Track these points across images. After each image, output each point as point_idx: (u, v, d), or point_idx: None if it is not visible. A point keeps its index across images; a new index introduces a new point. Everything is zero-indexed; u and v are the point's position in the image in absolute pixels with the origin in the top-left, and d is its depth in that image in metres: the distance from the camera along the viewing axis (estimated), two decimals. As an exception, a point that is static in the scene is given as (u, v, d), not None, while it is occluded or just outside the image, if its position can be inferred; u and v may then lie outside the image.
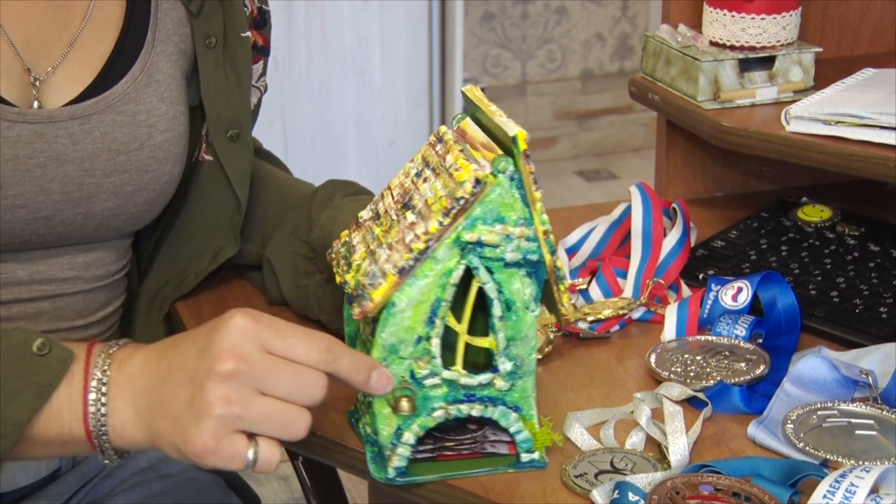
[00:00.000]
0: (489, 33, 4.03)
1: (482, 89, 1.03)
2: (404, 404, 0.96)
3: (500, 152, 0.95)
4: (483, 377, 0.97)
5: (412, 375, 0.96)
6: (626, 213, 1.38)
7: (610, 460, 1.03)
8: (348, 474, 1.10)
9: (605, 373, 1.17)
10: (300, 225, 1.25)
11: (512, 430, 0.99)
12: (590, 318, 1.24)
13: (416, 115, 3.54)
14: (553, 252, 0.95)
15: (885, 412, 1.07)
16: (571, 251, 1.38)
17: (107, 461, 0.96)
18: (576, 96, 4.21)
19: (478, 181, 0.92)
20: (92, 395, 0.94)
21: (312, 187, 1.32)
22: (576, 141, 4.25)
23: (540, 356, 1.16)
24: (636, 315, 1.27)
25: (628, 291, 1.29)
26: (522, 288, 0.96)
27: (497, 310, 0.95)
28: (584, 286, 1.30)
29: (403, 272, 0.93)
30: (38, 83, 1.14)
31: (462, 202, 0.92)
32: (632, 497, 0.95)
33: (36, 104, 1.13)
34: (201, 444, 0.88)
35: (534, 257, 0.95)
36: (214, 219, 1.27)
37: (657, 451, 1.05)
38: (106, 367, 0.94)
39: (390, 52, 3.46)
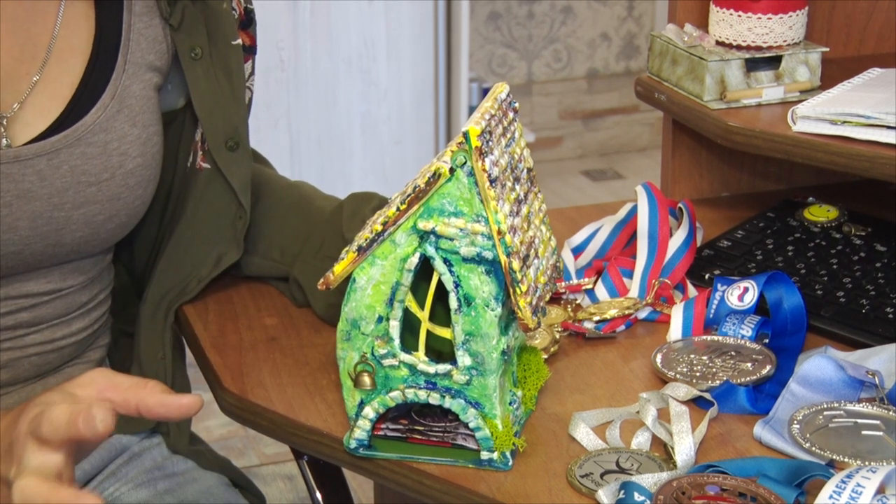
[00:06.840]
0: (495, 33, 4.03)
1: (486, 90, 1.05)
2: (365, 379, 1.01)
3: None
4: (441, 367, 0.99)
5: (373, 353, 1.00)
6: (632, 213, 1.37)
7: (616, 460, 1.03)
8: (354, 473, 1.10)
9: (610, 373, 1.17)
10: (328, 243, 1.25)
11: (471, 425, 1.01)
12: (595, 318, 1.24)
13: (421, 115, 3.53)
14: (509, 254, 0.96)
15: (891, 412, 1.07)
16: (577, 251, 1.38)
17: None
18: (581, 96, 4.21)
19: (435, 172, 0.95)
20: None
21: (329, 201, 1.31)
22: (581, 141, 4.25)
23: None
24: (642, 315, 1.27)
25: (634, 291, 1.29)
26: (481, 285, 0.97)
27: (453, 302, 0.97)
28: (590, 286, 1.30)
29: (361, 250, 0.98)
30: (4, 121, 1.11)
31: (416, 190, 0.95)
32: (637, 497, 0.95)
33: (4, 142, 1.11)
34: None
35: (489, 255, 0.96)
36: (215, 225, 1.27)
37: (663, 451, 1.05)
38: None
39: (396, 51, 3.45)
